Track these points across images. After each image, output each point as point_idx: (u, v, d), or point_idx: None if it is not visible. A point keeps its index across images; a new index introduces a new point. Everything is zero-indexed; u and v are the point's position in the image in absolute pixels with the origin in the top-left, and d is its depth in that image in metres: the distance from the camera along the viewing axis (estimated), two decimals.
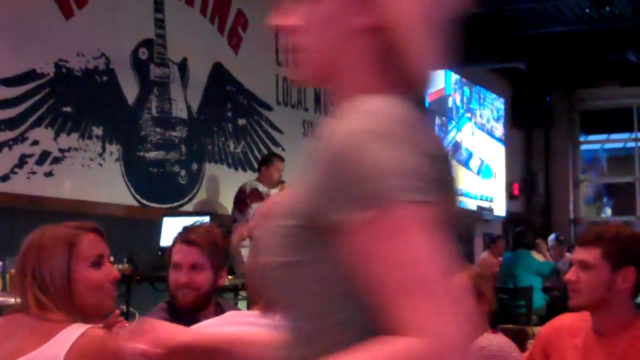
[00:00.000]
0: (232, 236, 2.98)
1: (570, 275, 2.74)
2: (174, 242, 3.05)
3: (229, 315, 1.88)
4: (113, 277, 2.21)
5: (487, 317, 2.81)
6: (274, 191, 6.92)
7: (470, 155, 11.70)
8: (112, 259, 2.30)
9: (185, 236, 3.01)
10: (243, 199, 6.79)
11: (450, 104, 11.30)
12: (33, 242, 2.18)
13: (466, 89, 11.77)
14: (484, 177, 12.10)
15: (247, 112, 7.84)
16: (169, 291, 3.07)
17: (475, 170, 11.84)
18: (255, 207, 6.64)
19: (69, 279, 2.13)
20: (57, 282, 2.12)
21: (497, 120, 12.85)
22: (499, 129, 12.95)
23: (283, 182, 6.92)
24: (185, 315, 2.95)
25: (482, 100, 12.46)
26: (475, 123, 11.90)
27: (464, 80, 11.65)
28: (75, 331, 2.02)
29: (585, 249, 2.72)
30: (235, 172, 7.54)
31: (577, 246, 2.78)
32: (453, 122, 11.34)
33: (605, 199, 15.41)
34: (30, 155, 5.76)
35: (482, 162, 11.96)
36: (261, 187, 6.85)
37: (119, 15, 6.53)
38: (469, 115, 11.71)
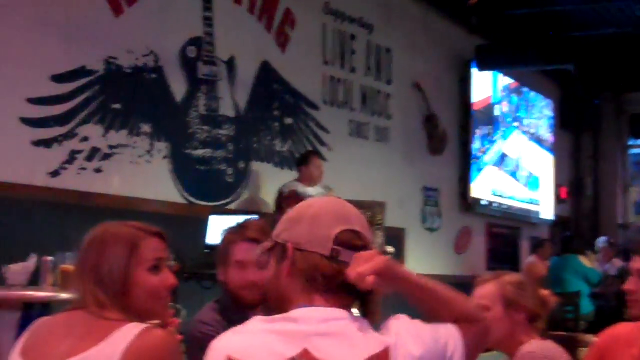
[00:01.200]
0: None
1: (630, 285, 2.69)
2: (233, 241, 3.02)
3: (258, 321, 1.82)
4: (170, 284, 2.18)
5: (528, 325, 2.77)
6: (313, 190, 6.88)
7: (517, 167, 11.58)
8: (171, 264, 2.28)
9: (248, 234, 2.98)
10: (280, 202, 6.79)
11: (497, 112, 11.20)
12: (95, 238, 2.16)
13: (514, 97, 11.65)
14: (532, 189, 11.97)
15: (293, 112, 7.82)
16: (226, 290, 3.04)
17: (524, 182, 11.73)
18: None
19: (127, 279, 2.11)
20: (115, 280, 2.09)
21: (545, 123, 12.70)
22: (547, 133, 12.80)
23: (330, 189, 6.89)
24: (241, 313, 2.92)
25: (530, 107, 12.32)
26: (522, 131, 11.77)
27: (511, 87, 11.53)
28: (132, 330, 2.00)
29: None
30: (281, 171, 7.52)
31: (636, 255, 2.72)
32: (500, 131, 11.22)
33: None
34: (80, 152, 5.80)
35: (530, 174, 11.84)
36: (300, 188, 6.82)
37: (168, 13, 6.55)
38: (516, 124, 11.58)
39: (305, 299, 1.79)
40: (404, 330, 1.80)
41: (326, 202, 1.92)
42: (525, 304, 2.77)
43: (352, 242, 1.80)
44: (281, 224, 1.89)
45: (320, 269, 1.78)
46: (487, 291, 2.80)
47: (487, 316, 2.72)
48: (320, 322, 1.74)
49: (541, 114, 12.76)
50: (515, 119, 11.60)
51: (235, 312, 2.98)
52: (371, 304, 1.85)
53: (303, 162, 7.12)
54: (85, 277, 2.11)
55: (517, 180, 11.57)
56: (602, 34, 11.08)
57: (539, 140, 12.66)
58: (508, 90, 11.45)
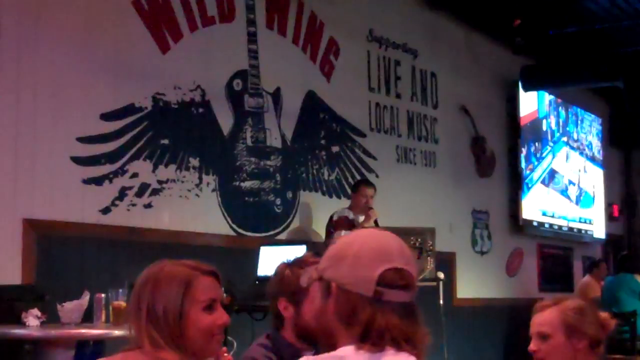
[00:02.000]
0: (302, 277, 2.97)
1: None
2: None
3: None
4: (222, 322, 2.19)
5: (589, 352, 2.71)
6: (361, 217, 6.89)
7: (568, 184, 11.46)
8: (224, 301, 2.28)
9: None
10: (328, 228, 6.84)
11: (544, 127, 11.10)
12: (150, 276, 2.17)
13: (562, 111, 11.55)
14: (583, 207, 11.83)
15: (340, 139, 7.84)
16: (295, 325, 3.05)
17: (574, 200, 11.60)
18: (339, 234, 6.66)
19: (181, 319, 2.12)
20: (170, 320, 2.10)
21: (595, 141, 12.55)
22: (597, 150, 12.66)
23: (370, 208, 6.90)
24: (293, 351, 2.93)
25: (579, 121, 12.21)
26: (571, 146, 11.65)
27: (558, 101, 11.43)
28: None
29: None
30: (330, 200, 7.54)
31: None
32: (549, 147, 11.12)
33: None
34: (130, 188, 5.88)
35: (582, 190, 11.70)
36: (351, 215, 6.86)
37: (214, 47, 6.63)
38: (565, 139, 11.47)
39: (350, 339, 1.79)
40: None
41: (367, 238, 1.90)
42: (587, 330, 2.70)
43: (394, 282, 1.80)
44: (325, 260, 1.90)
45: (362, 310, 1.78)
46: (547, 318, 2.74)
47: (547, 345, 2.70)
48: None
49: (590, 127, 12.62)
50: (564, 134, 11.47)
51: (290, 348, 3.00)
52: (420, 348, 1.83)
53: (353, 189, 7.18)
54: (140, 316, 2.12)
55: (568, 197, 11.42)
56: None
57: (590, 157, 12.52)
58: (555, 104, 11.34)
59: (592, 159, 12.60)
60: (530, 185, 10.66)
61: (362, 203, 6.93)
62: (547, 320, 2.72)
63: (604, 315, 2.79)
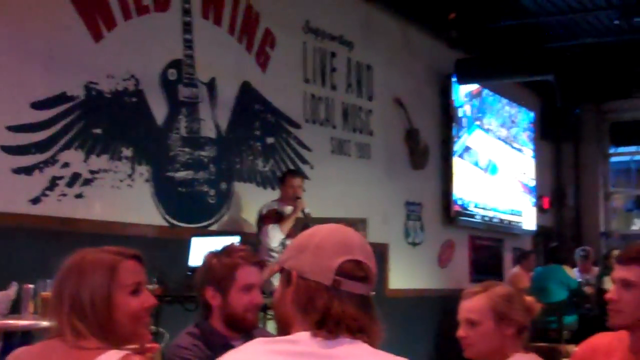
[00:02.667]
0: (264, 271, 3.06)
1: (611, 295, 2.69)
2: (237, 264, 3.06)
3: (258, 342, 1.86)
4: (150, 305, 2.20)
5: (515, 338, 2.76)
6: (289, 208, 6.92)
7: (478, 156, 11.62)
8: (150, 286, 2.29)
9: (254, 258, 3.14)
10: (258, 222, 6.86)
11: (460, 114, 11.25)
12: (73, 266, 2.16)
13: (475, 102, 11.71)
14: (491, 173, 12.00)
15: (275, 131, 7.85)
16: (223, 313, 3.07)
17: (484, 169, 11.77)
18: (269, 228, 6.68)
19: (109, 305, 2.12)
20: (97, 307, 2.11)
21: (511, 130, 12.75)
22: (525, 142, 12.86)
23: (298, 197, 6.93)
24: (223, 339, 2.95)
25: (488, 108, 12.39)
26: (483, 128, 11.82)
27: (474, 93, 11.58)
28: (111, 359, 2.02)
29: (627, 267, 2.67)
30: (264, 191, 7.54)
31: (618, 264, 2.72)
32: (464, 128, 11.28)
33: (636, 212, 15.26)
34: (61, 178, 5.81)
35: (490, 161, 11.90)
36: (278, 207, 6.88)
37: (148, 36, 6.57)
38: (478, 122, 11.65)
39: (306, 325, 1.82)
40: None
41: (330, 231, 1.94)
42: (515, 317, 2.74)
43: (353, 273, 1.85)
44: (287, 251, 1.96)
45: (320, 298, 1.82)
46: (476, 305, 2.76)
47: (476, 331, 2.74)
48: (321, 346, 1.78)
49: (521, 123, 12.82)
50: (477, 119, 11.66)
51: (218, 337, 3.02)
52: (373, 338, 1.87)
53: (280, 181, 7.19)
54: (63, 306, 2.11)
55: (479, 167, 11.59)
56: (581, 44, 11.16)
57: (517, 149, 12.71)
58: (470, 95, 11.50)
59: (515, 147, 12.77)
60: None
61: (290, 194, 6.95)
62: (476, 307, 2.75)
63: (529, 299, 2.84)
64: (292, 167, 7.87)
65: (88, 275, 2.13)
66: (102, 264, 2.16)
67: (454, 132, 10.89)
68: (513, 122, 12.79)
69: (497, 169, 12.07)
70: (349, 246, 1.88)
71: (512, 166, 12.59)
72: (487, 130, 11.90)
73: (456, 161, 10.88)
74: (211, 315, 3.14)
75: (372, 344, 1.83)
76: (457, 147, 10.96)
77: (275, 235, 6.65)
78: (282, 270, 1.93)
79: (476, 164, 11.51)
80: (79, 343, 2.06)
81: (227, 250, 3.21)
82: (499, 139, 12.26)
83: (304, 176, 7.42)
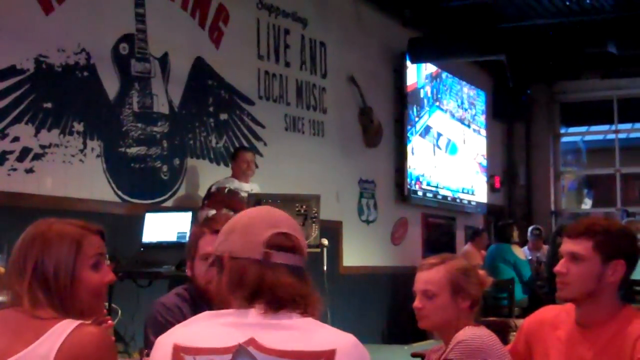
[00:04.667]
0: None
1: (559, 268, 2.72)
2: (200, 234, 3.03)
3: (207, 315, 1.89)
4: (109, 280, 2.19)
5: (469, 312, 2.79)
6: (248, 186, 6.89)
7: (438, 136, 11.73)
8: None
9: (215, 227, 2.98)
10: (204, 199, 6.80)
11: (422, 95, 11.32)
12: (38, 234, 2.12)
13: (436, 83, 11.79)
14: (451, 154, 12.11)
15: (228, 107, 7.82)
16: (194, 283, 3.05)
17: (443, 149, 11.88)
18: (206, 213, 6.55)
19: (73, 278, 2.10)
20: (61, 279, 2.08)
21: (468, 111, 12.87)
22: (470, 119, 12.96)
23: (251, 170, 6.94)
24: (207, 307, 2.91)
25: (458, 93, 12.49)
26: (442, 109, 11.92)
27: (434, 74, 11.66)
28: (66, 328, 1.99)
29: (576, 241, 2.71)
30: (217, 167, 7.52)
31: (567, 238, 2.75)
32: (425, 109, 11.36)
33: (585, 191, 15.50)
34: (11, 152, 5.73)
35: (449, 140, 12.01)
36: (234, 184, 6.84)
37: (99, 10, 6.50)
38: (437, 103, 11.75)
39: (240, 300, 1.86)
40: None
41: (257, 211, 2.00)
42: (471, 290, 2.76)
43: (281, 244, 1.89)
44: (219, 237, 1.97)
45: (252, 273, 1.86)
46: (434, 277, 2.76)
47: (432, 303, 2.77)
48: (267, 317, 1.82)
49: (472, 102, 12.92)
50: (437, 100, 11.75)
51: (202, 304, 2.97)
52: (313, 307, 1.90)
53: (232, 158, 7.16)
54: (24, 275, 2.07)
55: (439, 147, 11.70)
56: (533, 25, 11.25)
57: (470, 126, 12.83)
58: (430, 77, 11.58)
59: (473, 128, 12.89)
60: (410, 139, 10.85)
61: (244, 168, 6.93)
62: (434, 279, 2.75)
63: (481, 273, 2.86)
64: (245, 143, 7.85)
65: (54, 246, 2.10)
66: (69, 236, 2.13)
67: (413, 112, 10.95)
68: (472, 104, 12.91)
69: (457, 149, 12.19)
70: (275, 220, 1.93)
71: (470, 147, 12.71)
72: (446, 111, 12.00)
73: (416, 140, 10.96)
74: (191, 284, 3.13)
75: (314, 314, 1.87)
76: (418, 127, 11.04)
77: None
78: (214, 260, 1.96)
79: (436, 143, 11.61)
80: (36, 312, 2.04)
81: (206, 219, 3.22)
82: (457, 120, 12.37)
83: (254, 152, 7.41)
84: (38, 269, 2.08)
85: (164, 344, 1.85)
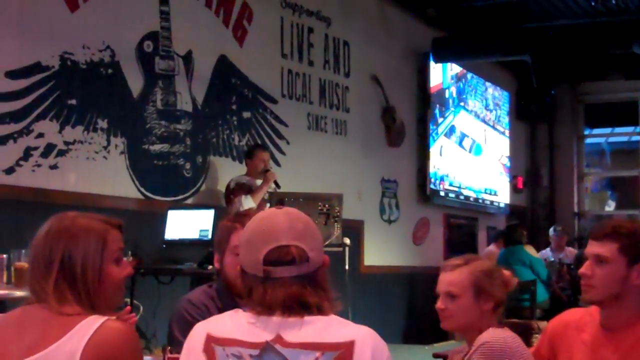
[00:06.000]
0: None
1: (584, 270, 2.70)
2: (232, 228, 3.02)
3: (240, 313, 1.95)
4: (128, 273, 2.20)
5: (492, 313, 2.77)
6: (259, 181, 6.90)
7: (462, 137, 11.69)
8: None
9: (246, 221, 2.99)
10: (227, 195, 6.84)
11: (447, 95, 11.29)
12: (64, 228, 2.11)
13: (461, 84, 11.76)
14: (476, 155, 12.07)
15: (251, 105, 7.82)
16: (223, 278, 3.04)
17: (468, 149, 11.84)
18: (237, 201, 6.64)
19: (100, 274, 2.10)
20: (88, 274, 2.08)
21: (493, 112, 12.82)
22: (495, 120, 12.92)
23: (267, 170, 6.93)
24: (234, 303, 2.89)
25: (483, 94, 12.44)
26: (467, 110, 11.88)
27: (459, 75, 11.62)
28: (92, 324, 2.00)
29: (601, 243, 2.69)
30: (240, 165, 7.52)
31: (592, 240, 2.73)
32: (451, 109, 11.34)
33: (609, 193, 15.39)
34: (35, 148, 5.77)
35: (474, 141, 11.97)
36: (245, 180, 6.87)
37: (124, 7, 6.52)
38: (462, 104, 11.71)
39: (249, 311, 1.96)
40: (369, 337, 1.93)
41: (257, 222, 2.04)
42: (495, 292, 2.75)
43: (281, 259, 1.95)
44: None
45: (256, 290, 1.95)
46: (457, 278, 2.76)
47: (455, 304, 2.76)
48: (288, 317, 1.91)
49: (497, 103, 12.87)
50: (462, 100, 11.72)
51: (229, 300, 2.96)
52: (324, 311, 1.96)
53: (248, 155, 7.17)
54: (52, 268, 2.07)
55: (463, 147, 11.67)
56: (558, 25, 11.18)
57: (495, 128, 12.78)
58: (456, 77, 11.56)
59: (497, 129, 12.85)
60: (435, 138, 10.82)
61: (260, 167, 6.95)
62: (457, 281, 2.75)
63: (507, 274, 2.84)
64: (268, 142, 7.87)
65: (81, 241, 2.10)
66: (95, 231, 2.13)
67: (437, 112, 10.92)
68: (497, 104, 12.86)
69: (482, 150, 12.15)
70: (274, 234, 1.97)
71: (495, 148, 12.66)
72: (471, 112, 11.96)
73: (441, 141, 10.93)
74: (219, 279, 3.13)
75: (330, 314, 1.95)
76: (443, 127, 11.01)
77: (248, 205, 6.62)
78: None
79: (460, 144, 11.57)
80: (62, 308, 2.04)
81: (237, 214, 3.23)
82: (482, 120, 12.32)
83: (272, 151, 7.43)
84: (65, 263, 2.08)
85: (199, 332, 1.95)
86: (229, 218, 3.15)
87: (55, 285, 2.07)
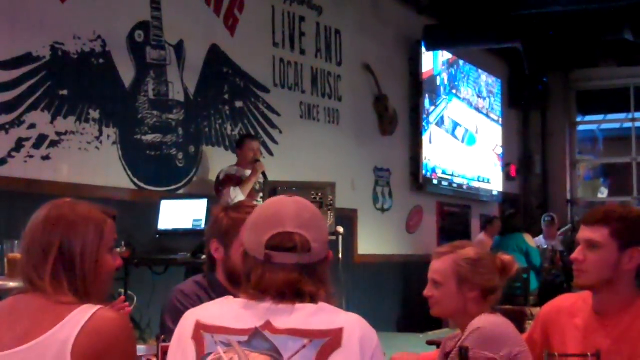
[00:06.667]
0: None
1: (576, 255, 2.71)
2: (243, 222, 2.99)
3: (232, 299, 1.95)
4: (119, 264, 2.20)
5: (482, 300, 2.77)
6: (249, 171, 6.90)
7: (455, 126, 11.69)
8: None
9: None
10: (217, 186, 6.83)
11: (438, 82, 11.29)
12: (62, 216, 2.11)
13: (452, 70, 11.75)
14: (469, 144, 12.09)
15: (244, 94, 7.81)
16: (225, 267, 3.04)
17: (461, 139, 11.85)
18: (226, 192, 6.63)
19: (97, 262, 2.11)
20: (86, 262, 2.09)
21: (487, 99, 12.82)
22: (489, 108, 12.92)
23: (257, 160, 6.93)
24: (224, 294, 2.89)
25: (475, 80, 12.44)
26: (458, 97, 11.88)
27: (451, 61, 11.62)
28: (85, 313, 2.00)
29: (593, 228, 2.69)
30: (232, 155, 7.50)
31: (584, 225, 2.73)
32: (442, 97, 11.34)
33: (601, 180, 15.43)
34: (27, 139, 5.75)
35: (467, 130, 11.98)
36: (235, 171, 6.86)
37: None
38: (454, 91, 11.71)
39: (245, 294, 1.96)
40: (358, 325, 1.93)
41: (266, 206, 2.07)
42: (478, 281, 2.74)
43: (283, 244, 1.94)
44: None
45: (255, 273, 1.95)
46: (441, 266, 2.77)
47: (439, 291, 2.78)
48: (278, 304, 1.91)
49: (489, 90, 12.87)
50: (454, 87, 11.72)
51: (222, 292, 2.96)
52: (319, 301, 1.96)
53: (238, 146, 7.15)
54: (50, 256, 2.06)
55: (455, 137, 11.68)
56: (549, 12, 11.17)
57: (487, 115, 12.78)
58: (447, 64, 11.56)
59: (490, 117, 12.85)
60: (427, 128, 10.83)
61: (250, 157, 6.94)
62: (441, 269, 2.76)
63: (505, 259, 2.84)
64: (260, 131, 7.86)
65: (80, 229, 2.10)
66: (94, 220, 2.13)
67: (429, 100, 10.92)
68: (490, 92, 12.86)
69: (475, 140, 12.16)
70: (280, 219, 1.97)
71: (488, 137, 12.67)
72: (464, 100, 11.96)
73: (433, 130, 10.93)
74: (216, 268, 3.13)
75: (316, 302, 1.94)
76: (435, 115, 11.01)
77: (237, 197, 6.61)
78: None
79: (453, 133, 11.58)
80: (57, 296, 2.03)
81: (237, 205, 3.22)
82: (475, 108, 12.32)
83: (264, 140, 7.43)
84: (64, 251, 2.08)
85: (189, 319, 1.95)
86: (231, 208, 3.14)
87: (52, 272, 2.06)
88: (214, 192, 6.90)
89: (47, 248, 2.08)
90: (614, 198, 14.52)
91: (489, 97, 12.90)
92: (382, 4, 10.15)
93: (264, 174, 6.84)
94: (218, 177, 6.89)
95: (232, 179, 6.77)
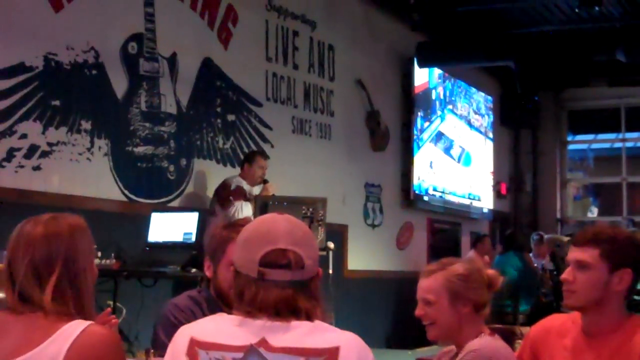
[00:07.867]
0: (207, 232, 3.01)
1: (566, 275, 2.70)
2: (229, 240, 2.98)
3: (226, 316, 1.94)
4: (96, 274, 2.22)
5: (474, 315, 2.77)
6: (256, 189, 6.90)
7: (451, 145, 11.72)
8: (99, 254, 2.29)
9: None
10: (227, 194, 6.79)
11: (433, 96, 11.32)
12: (63, 231, 2.11)
13: (448, 84, 11.79)
14: (465, 165, 12.12)
15: (236, 108, 7.82)
16: (214, 286, 3.03)
17: (456, 158, 11.87)
18: (237, 205, 6.63)
19: (92, 273, 2.13)
20: (88, 279, 2.10)
21: (483, 117, 12.86)
22: (486, 126, 12.95)
23: (266, 181, 6.92)
24: (218, 311, 2.87)
25: (468, 96, 12.47)
26: (455, 114, 11.91)
27: (446, 75, 11.66)
28: (75, 328, 2.00)
29: (583, 249, 2.69)
30: (224, 168, 7.52)
31: (573, 246, 2.73)
32: (437, 112, 11.37)
33: (591, 199, 15.46)
34: (19, 149, 5.74)
35: (463, 149, 12.00)
36: (245, 185, 6.85)
37: (109, 8, 6.50)
38: (450, 107, 11.74)
39: (238, 312, 1.94)
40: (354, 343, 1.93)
41: (258, 224, 2.05)
42: (471, 296, 2.73)
43: (277, 261, 1.93)
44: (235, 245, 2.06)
45: (249, 291, 1.93)
46: (432, 285, 2.75)
47: (432, 310, 2.77)
48: (273, 321, 1.89)
49: (481, 108, 12.90)
50: (450, 102, 11.75)
51: (217, 309, 2.94)
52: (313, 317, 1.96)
53: (247, 160, 7.14)
54: (55, 273, 2.06)
55: (451, 156, 11.70)
56: (542, 31, 11.24)
57: (481, 132, 12.81)
58: (443, 77, 11.60)
59: (483, 133, 12.89)
60: (420, 145, 10.85)
61: (259, 174, 6.92)
62: (432, 287, 2.74)
63: (490, 273, 2.83)
64: (252, 145, 7.86)
65: (79, 243, 2.11)
66: (86, 231, 2.15)
67: (422, 116, 10.94)
68: (489, 108, 12.91)
69: (471, 160, 12.16)
70: (273, 236, 1.96)
71: (484, 156, 12.69)
72: (461, 117, 11.97)
73: (427, 148, 10.94)
74: (210, 285, 3.13)
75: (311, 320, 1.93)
76: (429, 132, 11.03)
77: (246, 213, 6.58)
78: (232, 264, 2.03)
79: (448, 152, 11.58)
80: (54, 311, 2.03)
81: (232, 223, 3.19)
82: (471, 126, 12.34)
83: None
84: (70, 266, 2.08)
85: (183, 335, 1.93)
86: (225, 226, 3.12)
87: (57, 286, 2.06)
88: (213, 203, 6.88)
89: (51, 262, 2.08)
90: (603, 218, 14.55)
91: (487, 115, 12.94)
92: (375, 20, 10.18)
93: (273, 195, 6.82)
94: (228, 185, 6.84)
95: (243, 194, 6.72)
